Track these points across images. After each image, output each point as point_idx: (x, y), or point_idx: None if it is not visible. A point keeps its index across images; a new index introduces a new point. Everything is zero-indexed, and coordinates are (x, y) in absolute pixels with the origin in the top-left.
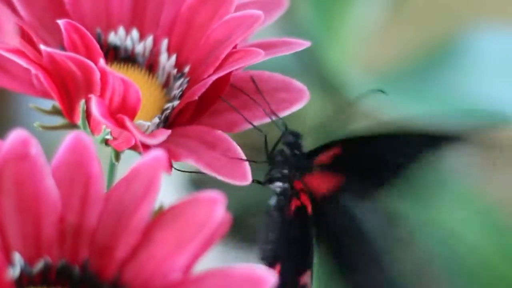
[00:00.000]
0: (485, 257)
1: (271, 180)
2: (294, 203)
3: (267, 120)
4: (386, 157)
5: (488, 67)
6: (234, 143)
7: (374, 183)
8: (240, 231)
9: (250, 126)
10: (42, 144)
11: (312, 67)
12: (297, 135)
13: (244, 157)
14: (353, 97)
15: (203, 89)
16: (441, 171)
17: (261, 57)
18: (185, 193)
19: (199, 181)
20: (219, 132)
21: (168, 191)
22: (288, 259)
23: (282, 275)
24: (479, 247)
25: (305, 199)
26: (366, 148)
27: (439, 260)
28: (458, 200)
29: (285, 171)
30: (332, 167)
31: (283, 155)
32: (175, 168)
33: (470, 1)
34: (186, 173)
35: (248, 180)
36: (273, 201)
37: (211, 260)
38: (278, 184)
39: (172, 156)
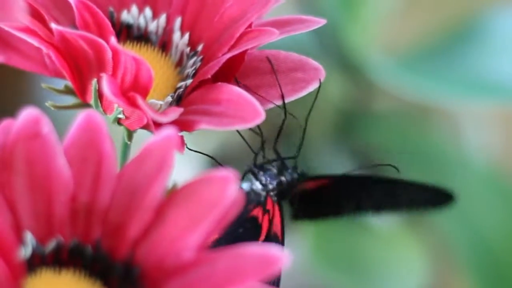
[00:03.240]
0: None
1: (255, 174)
2: (255, 212)
3: (282, 101)
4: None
5: (508, 48)
6: (234, 87)
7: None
8: None
9: (266, 107)
10: (55, 124)
11: (332, 47)
12: (302, 176)
13: (248, 96)
14: (374, 78)
15: (217, 68)
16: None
17: (276, 36)
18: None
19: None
20: (217, 84)
21: (187, 170)
22: None
23: None
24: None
25: (265, 221)
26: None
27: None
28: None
29: (271, 185)
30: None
31: (280, 173)
32: (190, 149)
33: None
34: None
35: (262, 115)
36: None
37: None
38: (258, 182)
39: (186, 128)
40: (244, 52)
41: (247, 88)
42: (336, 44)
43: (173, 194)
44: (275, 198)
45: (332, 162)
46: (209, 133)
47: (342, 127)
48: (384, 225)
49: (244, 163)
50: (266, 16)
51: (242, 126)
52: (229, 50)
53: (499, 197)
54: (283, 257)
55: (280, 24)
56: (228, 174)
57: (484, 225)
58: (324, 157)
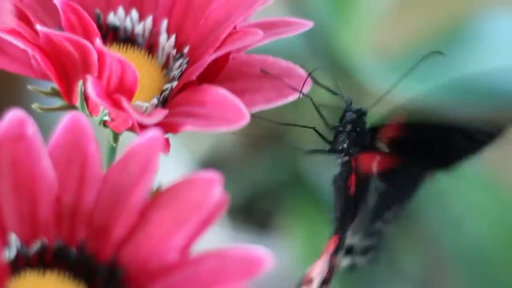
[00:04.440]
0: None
1: (333, 151)
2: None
3: (268, 106)
4: (449, 146)
5: (501, 50)
6: (219, 89)
7: (427, 168)
8: (250, 215)
9: (255, 109)
10: (41, 126)
11: (323, 51)
12: (360, 112)
13: (233, 98)
14: (365, 81)
15: (201, 69)
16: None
17: (260, 37)
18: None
19: (209, 163)
20: (202, 86)
21: (177, 175)
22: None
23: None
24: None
25: (352, 179)
26: (431, 134)
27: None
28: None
29: (345, 145)
30: (393, 145)
31: (345, 130)
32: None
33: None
34: (196, 155)
35: (246, 116)
36: (338, 170)
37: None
38: (340, 156)
39: (171, 129)
40: (229, 53)
41: (235, 91)
42: (327, 47)
43: (157, 196)
44: (355, 153)
45: (323, 165)
46: (201, 136)
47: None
48: None
49: (235, 166)
50: (255, 18)
51: (227, 128)
52: (215, 51)
53: (489, 200)
54: (267, 258)
55: (267, 26)
56: (212, 176)
57: (475, 228)
58: (315, 160)
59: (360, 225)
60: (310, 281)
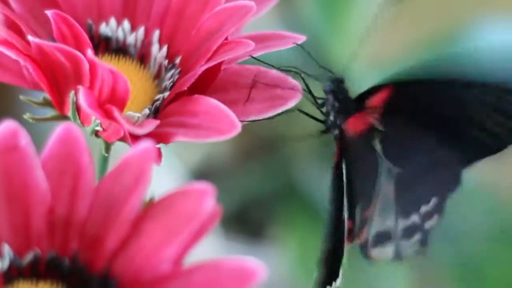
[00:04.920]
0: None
1: (327, 130)
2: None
3: (259, 116)
4: (440, 105)
5: (493, 59)
6: (211, 99)
7: (419, 130)
8: (243, 224)
9: (247, 120)
10: (33, 136)
11: (315, 61)
12: (337, 80)
13: (224, 108)
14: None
15: (193, 80)
16: None
17: (251, 47)
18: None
19: (202, 173)
20: (194, 96)
21: (170, 185)
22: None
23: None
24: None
25: (337, 148)
26: (422, 94)
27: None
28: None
29: (332, 117)
30: (383, 110)
31: (329, 102)
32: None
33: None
34: (188, 165)
35: (237, 127)
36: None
37: (215, 255)
38: (333, 131)
39: (163, 140)
40: (220, 64)
41: (227, 102)
42: (320, 58)
43: (150, 207)
44: (341, 120)
45: (316, 175)
46: (193, 146)
47: (326, 140)
48: None
49: (228, 175)
50: (248, 30)
51: (219, 138)
52: (206, 62)
53: (485, 212)
54: (260, 270)
55: (259, 39)
56: (205, 187)
57: (469, 240)
58: (308, 170)
59: (383, 204)
60: None
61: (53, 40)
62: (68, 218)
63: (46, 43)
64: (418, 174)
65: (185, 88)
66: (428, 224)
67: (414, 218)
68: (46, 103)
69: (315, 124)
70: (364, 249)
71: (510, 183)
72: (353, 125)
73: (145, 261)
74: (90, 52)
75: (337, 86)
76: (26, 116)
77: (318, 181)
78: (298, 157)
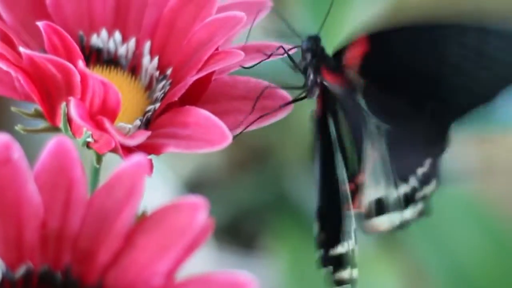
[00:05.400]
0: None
1: (310, 92)
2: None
3: (250, 128)
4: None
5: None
6: (201, 111)
7: (400, 81)
8: (236, 235)
9: (237, 131)
10: (25, 147)
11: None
12: (313, 38)
13: (215, 119)
14: None
15: (183, 90)
16: None
17: (241, 58)
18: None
19: (194, 184)
20: (185, 107)
21: (163, 196)
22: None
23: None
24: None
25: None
26: (398, 43)
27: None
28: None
29: (312, 77)
30: (362, 64)
31: (307, 61)
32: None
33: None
34: (181, 176)
35: (228, 138)
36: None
37: (207, 266)
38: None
39: (154, 151)
40: (211, 75)
41: (218, 113)
42: None
43: (143, 221)
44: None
45: (308, 186)
46: (186, 157)
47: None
48: (359, 248)
49: (220, 187)
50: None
51: (210, 149)
52: (197, 73)
53: (474, 223)
54: (251, 283)
55: (250, 50)
56: (198, 201)
57: (459, 250)
58: (299, 181)
59: (380, 167)
60: None
61: (45, 51)
62: (61, 231)
63: (37, 55)
64: (406, 132)
65: (176, 99)
66: (427, 189)
67: (413, 182)
68: (37, 115)
69: (306, 134)
70: (363, 219)
71: (500, 196)
72: (334, 82)
73: (138, 275)
74: (81, 63)
75: (314, 44)
76: (18, 127)
77: (309, 193)
78: (289, 168)
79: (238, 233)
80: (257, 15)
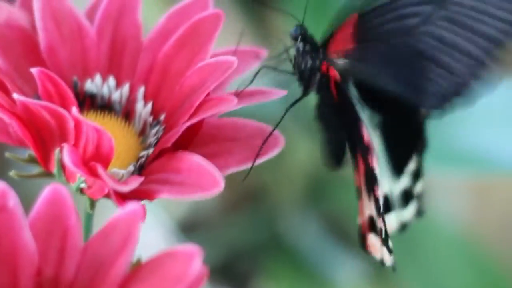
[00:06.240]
0: None
1: (307, 86)
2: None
3: (241, 168)
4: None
5: (480, 118)
6: (194, 156)
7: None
8: (229, 276)
9: (228, 172)
10: (19, 191)
11: (300, 111)
12: (301, 26)
13: (208, 165)
14: None
15: (176, 136)
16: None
17: (234, 104)
18: (174, 239)
19: (187, 225)
20: (178, 153)
21: (156, 236)
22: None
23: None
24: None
25: (331, 86)
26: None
27: None
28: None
29: (309, 64)
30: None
31: (299, 49)
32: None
33: None
34: (175, 218)
35: (220, 185)
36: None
37: None
38: (312, 82)
39: (147, 196)
40: (202, 119)
41: (207, 155)
42: (303, 107)
43: (137, 269)
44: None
45: (302, 227)
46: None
47: (311, 191)
48: (348, 280)
49: (213, 227)
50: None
51: (201, 196)
52: (189, 118)
53: (467, 263)
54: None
55: (241, 95)
56: (192, 249)
57: (452, 286)
58: (293, 221)
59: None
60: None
61: (39, 97)
62: (56, 279)
63: (31, 101)
64: (395, 123)
65: (169, 145)
66: (419, 187)
67: (407, 176)
68: (31, 160)
69: (299, 173)
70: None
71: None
72: (326, 70)
73: None
74: (75, 110)
75: (303, 29)
76: (12, 173)
77: (303, 233)
78: (283, 208)
79: (231, 273)
80: (251, 64)
